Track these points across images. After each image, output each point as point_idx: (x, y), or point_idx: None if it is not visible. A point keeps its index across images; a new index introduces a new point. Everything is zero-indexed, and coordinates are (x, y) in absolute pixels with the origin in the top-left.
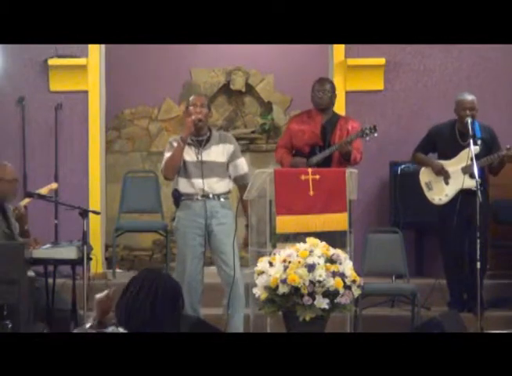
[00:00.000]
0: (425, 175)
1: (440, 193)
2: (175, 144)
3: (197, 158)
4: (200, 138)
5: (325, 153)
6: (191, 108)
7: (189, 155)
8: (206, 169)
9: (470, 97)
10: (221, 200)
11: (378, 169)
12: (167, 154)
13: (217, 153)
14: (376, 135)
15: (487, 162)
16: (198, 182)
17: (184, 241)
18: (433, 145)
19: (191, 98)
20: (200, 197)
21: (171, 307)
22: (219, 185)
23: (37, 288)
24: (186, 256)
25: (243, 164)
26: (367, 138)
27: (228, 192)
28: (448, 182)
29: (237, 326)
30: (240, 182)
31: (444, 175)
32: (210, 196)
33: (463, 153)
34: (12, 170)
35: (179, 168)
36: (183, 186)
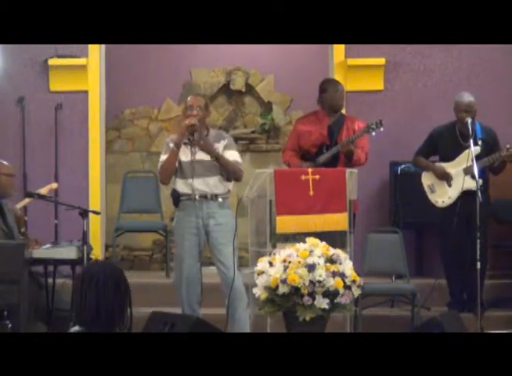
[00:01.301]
0: (427, 178)
1: (443, 196)
2: (171, 145)
3: (192, 158)
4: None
5: (332, 151)
6: (187, 109)
7: (186, 155)
8: (201, 168)
9: (466, 99)
10: (219, 200)
11: (378, 169)
12: (163, 157)
13: None
14: (382, 129)
15: (488, 162)
16: (194, 181)
17: (181, 241)
18: (434, 147)
19: (188, 99)
20: (197, 198)
21: (117, 295)
22: (217, 184)
23: (40, 285)
24: (183, 256)
25: (231, 156)
26: (373, 133)
27: (227, 192)
28: (451, 184)
29: (242, 325)
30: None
31: (446, 178)
32: (208, 196)
33: (464, 154)
34: (9, 166)
35: (174, 173)
36: (181, 186)
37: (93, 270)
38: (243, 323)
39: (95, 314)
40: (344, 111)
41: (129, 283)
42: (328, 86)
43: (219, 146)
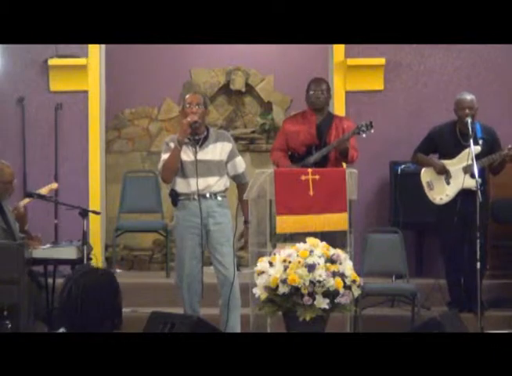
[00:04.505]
0: (426, 175)
1: (441, 193)
2: (171, 144)
3: (194, 157)
4: (197, 137)
5: (322, 151)
6: (187, 106)
7: (187, 154)
8: (203, 168)
9: (469, 97)
10: (218, 198)
11: (378, 169)
12: (164, 156)
13: (214, 151)
14: (372, 131)
15: (488, 162)
16: (195, 181)
17: (182, 241)
18: (434, 146)
19: (186, 96)
20: (196, 197)
21: (115, 300)
22: (216, 184)
23: (40, 285)
24: (185, 256)
25: (241, 162)
26: (364, 134)
27: (225, 190)
28: (450, 181)
29: (233, 325)
30: (239, 181)
31: (446, 174)
32: (207, 195)
33: (464, 153)
34: (10, 172)
35: (177, 171)
36: (180, 185)
37: (87, 283)
38: (235, 324)
39: (99, 322)
40: (342, 111)
41: (129, 284)
42: (309, 84)
43: (222, 148)
